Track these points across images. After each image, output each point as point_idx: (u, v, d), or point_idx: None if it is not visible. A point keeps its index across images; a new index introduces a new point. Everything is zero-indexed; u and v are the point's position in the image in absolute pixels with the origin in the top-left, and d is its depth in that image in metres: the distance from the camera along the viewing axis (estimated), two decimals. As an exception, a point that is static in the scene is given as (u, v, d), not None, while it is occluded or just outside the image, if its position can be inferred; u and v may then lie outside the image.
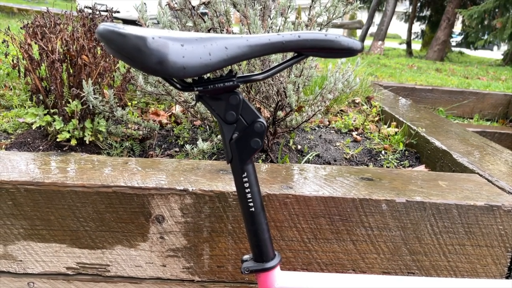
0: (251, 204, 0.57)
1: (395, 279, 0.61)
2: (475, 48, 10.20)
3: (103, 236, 0.80)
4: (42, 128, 1.19)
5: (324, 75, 1.97)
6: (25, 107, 1.43)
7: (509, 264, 0.81)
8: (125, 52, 0.45)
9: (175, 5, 1.12)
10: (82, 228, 0.79)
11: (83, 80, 1.06)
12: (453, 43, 14.19)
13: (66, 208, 0.78)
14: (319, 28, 1.25)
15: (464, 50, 13.31)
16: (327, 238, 0.80)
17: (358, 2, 1.23)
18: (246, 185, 0.56)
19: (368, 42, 10.99)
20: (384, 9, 10.29)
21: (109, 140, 1.19)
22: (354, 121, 1.66)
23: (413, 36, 12.18)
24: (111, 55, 1.15)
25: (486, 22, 7.80)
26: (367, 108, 1.83)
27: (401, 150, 1.37)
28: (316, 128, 1.61)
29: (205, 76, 0.51)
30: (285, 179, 0.84)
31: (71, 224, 0.79)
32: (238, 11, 1.14)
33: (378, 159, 1.34)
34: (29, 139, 1.17)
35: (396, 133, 1.49)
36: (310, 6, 1.21)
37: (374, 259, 0.81)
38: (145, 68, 0.46)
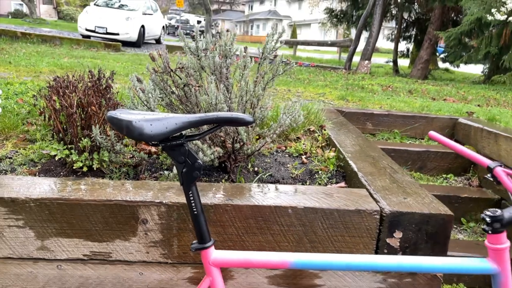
0: (194, 209, 0.99)
1: (295, 254, 1.02)
2: (457, 66, 10.71)
3: (107, 233, 1.21)
4: (61, 159, 1.61)
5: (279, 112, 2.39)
6: (45, 140, 1.85)
7: (375, 248, 1.23)
8: (121, 128, 0.88)
9: (159, 69, 1.56)
10: (93, 228, 1.21)
11: (92, 125, 1.49)
12: (440, 60, 14.75)
13: (83, 215, 1.20)
14: (266, 82, 1.68)
15: (450, 66, 13.86)
16: (254, 233, 1.22)
17: (294, 64, 1.67)
18: (191, 198, 0.98)
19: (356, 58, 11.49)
20: (370, 30, 10.83)
21: (110, 167, 1.61)
22: (305, 146, 2.08)
23: (400, 55, 12.71)
24: (111, 107, 1.58)
25: (463, 42, 8.31)
26: (319, 135, 2.26)
27: (333, 170, 1.79)
28: (274, 153, 2.03)
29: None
30: (230, 194, 1.27)
31: (86, 225, 1.21)
32: (205, 72, 1.58)
33: (315, 177, 1.76)
34: (52, 167, 1.59)
35: (333, 156, 1.92)
36: (258, 67, 1.65)
37: (286, 246, 1.22)
38: (131, 137, 0.88)
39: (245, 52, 1.67)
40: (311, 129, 2.35)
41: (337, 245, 1.22)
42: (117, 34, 11.48)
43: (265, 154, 1.99)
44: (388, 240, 1.22)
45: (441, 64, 13.84)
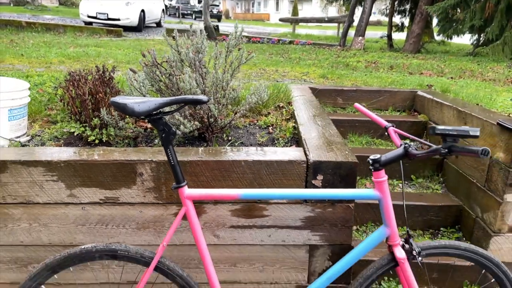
0: (172, 161, 1.48)
1: (243, 189, 1.52)
2: (450, 38, 10.99)
3: (115, 183, 1.72)
4: (78, 135, 2.12)
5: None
6: (64, 122, 2.35)
7: (304, 187, 1.72)
8: (120, 108, 1.38)
9: (148, 63, 2.04)
10: (105, 180, 1.72)
11: (101, 108, 1.99)
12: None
13: (98, 171, 1.70)
14: (233, 69, 2.15)
15: (446, 39, 14.04)
16: (218, 179, 1.72)
17: (254, 55, 2.14)
18: (169, 154, 1.47)
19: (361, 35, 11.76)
20: (363, 5, 11.09)
21: (116, 139, 2.11)
22: (273, 120, 2.56)
23: (395, 29, 12.93)
24: (114, 93, 2.06)
25: (450, 16, 8.60)
26: (286, 110, 2.73)
27: (289, 137, 2.28)
28: (247, 126, 2.52)
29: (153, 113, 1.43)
30: (202, 153, 1.76)
31: (100, 178, 1.71)
32: (184, 65, 2.06)
33: (275, 143, 2.25)
34: (72, 141, 2.09)
35: (291, 127, 2.40)
36: (226, 58, 2.12)
37: (248, 183, 1.72)
38: (126, 114, 1.38)
39: (216, 46, 2.14)
40: (280, 105, 2.82)
41: (277, 186, 1.72)
42: (118, 19, 11.85)
43: (239, 127, 2.48)
44: (313, 181, 1.71)
45: (438, 37, 14.05)
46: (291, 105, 2.77)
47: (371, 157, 1.50)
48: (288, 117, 2.63)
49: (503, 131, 2.28)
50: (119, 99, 1.40)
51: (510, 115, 2.79)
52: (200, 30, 2.07)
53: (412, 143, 1.47)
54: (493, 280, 1.68)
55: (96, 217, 1.76)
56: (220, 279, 1.82)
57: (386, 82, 4.31)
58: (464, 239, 2.62)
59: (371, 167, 1.51)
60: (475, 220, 2.50)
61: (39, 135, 2.19)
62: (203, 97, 1.45)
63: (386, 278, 2.48)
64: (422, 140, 1.47)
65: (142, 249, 1.55)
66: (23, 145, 2.03)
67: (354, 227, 2.67)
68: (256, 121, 2.57)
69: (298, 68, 5.50)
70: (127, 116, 2.26)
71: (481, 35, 8.05)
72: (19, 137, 2.04)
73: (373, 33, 18.28)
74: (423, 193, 2.91)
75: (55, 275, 1.60)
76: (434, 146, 1.34)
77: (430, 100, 3.29)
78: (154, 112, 1.43)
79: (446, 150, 1.27)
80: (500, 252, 2.37)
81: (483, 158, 1.14)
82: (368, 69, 5.67)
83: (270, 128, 2.47)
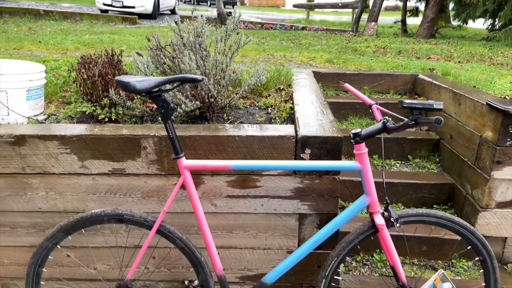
0: (170, 134, 1.65)
1: (235, 161, 1.68)
2: (465, 23, 10.82)
3: (122, 156, 1.90)
4: (90, 113, 2.30)
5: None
6: (77, 102, 2.53)
7: (293, 155, 1.86)
8: (124, 86, 1.54)
9: (152, 47, 2.19)
10: (113, 153, 1.90)
11: (109, 88, 2.16)
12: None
13: (106, 145, 1.88)
14: (232, 52, 2.29)
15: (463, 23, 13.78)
16: (215, 153, 1.88)
17: (251, 39, 2.27)
18: (168, 128, 1.64)
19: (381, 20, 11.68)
20: (376, -9, 10.98)
21: (124, 118, 2.29)
22: (272, 101, 2.70)
23: (409, 14, 12.76)
24: (122, 75, 2.23)
25: (464, 0, 8.49)
26: (285, 93, 2.86)
27: (285, 116, 2.42)
28: (248, 107, 2.66)
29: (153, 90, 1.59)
30: (200, 130, 1.92)
31: (109, 151, 1.89)
32: (186, 48, 2.21)
33: (272, 122, 2.39)
34: (84, 119, 2.28)
35: (289, 107, 2.53)
36: (225, 41, 2.25)
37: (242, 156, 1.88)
38: (130, 91, 1.54)
39: (217, 31, 2.28)
40: (281, 88, 2.96)
41: (269, 159, 1.87)
42: (133, 7, 12.05)
43: (240, 108, 2.63)
44: (301, 155, 1.86)
45: (454, 22, 13.81)
46: (291, 88, 2.90)
47: (352, 131, 1.63)
48: (287, 98, 2.76)
49: (491, 111, 2.37)
50: (123, 77, 1.57)
51: (506, 97, 2.86)
52: (201, 16, 2.21)
53: (390, 119, 1.60)
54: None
55: (105, 186, 1.94)
56: (218, 245, 1.99)
57: (390, 66, 4.37)
58: (455, 215, 2.73)
59: (352, 141, 1.64)
60: (466, 197, 2.62)
61: (54, 114, 2.38)
62: (198, 76, 1.60)
63: (378, 250, 2.63)
64: (398, 115, 1.59)
65: (145, 214, 1.74)
66: (40, 123, 2.22)
67: (346, 203, 2.82)
68: (256, 103, 2.71)
69: (306, 53, 5.59)
70: (135, 97, 2.43)
71: (496, 20, 7.93)
72: (36, 115, 2.24)
73: (390, 19, 18.05)
74: (419, 172, 3.02)
75: (69, 236, 1.80)
76: (406, 120, 1.47)
77: (429, 83, 3.38)
78: (154, 90, 1.59)
79: (413, 122, 1.40)
80: (488, 227, 2.48)
81: (437, 126, 1.27)
82: (376, 54, 5.72)
83: (269, 109, 2.61)
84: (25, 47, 4.85)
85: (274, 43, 7.16)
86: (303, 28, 12.14)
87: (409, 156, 3.16)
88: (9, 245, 2.04)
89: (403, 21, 12.09)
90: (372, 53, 5.90)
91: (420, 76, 3.61)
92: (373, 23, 10.86)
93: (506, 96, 2.86)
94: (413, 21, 13.45)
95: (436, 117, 1.29)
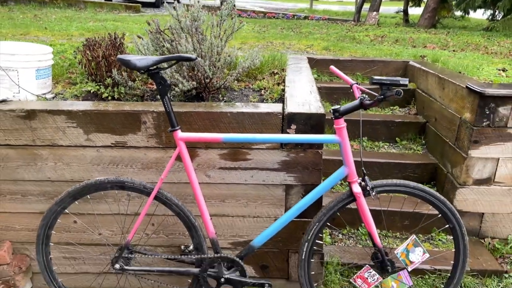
0: (167, 109, 1.82)
1: (225, 134, 1.85)
2: (467, 13, 10.87)
3: (124, 130, 2.07)
4: (94, 92, 2.47)
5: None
6: (82, 83, 2.70)
7: (281, 131, 2.03)
8: (124, 63, 1.71)
9: (152, 30, 2.36)
10: (116, 127, 2.07)
11: (113, 69, 2.33)
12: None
13: (109, 120, 2.06)
14: (227, 36, 2.44)
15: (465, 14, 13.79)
16: (209, 128, 2.05)
17: (245, 23, 2.42)
18: (165, 103, 1.80)
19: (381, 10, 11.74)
20: (378, -19, 11.02)
21: (126, 97, 2.46)
22: (266, 84, 2.86)
23: (411, 4, 12.79)
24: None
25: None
26: (279, 76, 3.02)
27: (276, 97, 2.58)
28: (242, 89, 2.82)
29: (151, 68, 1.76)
30: (195, 107, 2.09)
31: (112, 125, 2.07)
32: (184, 32, 2.37)
33: (265, 102, 2.56)
34: (89, 98, 2.45)
35: (280, 89, 2.69)
36: (219, 26, 2.41)
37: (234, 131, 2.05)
38: (130, 67, 1.71)
39: (213, 16, 2.44)
40: (275, 72, 3.11)
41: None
42: (136, -5, 12.13)
43: (235, 90, 2.79)
44: (288, 130, 2.03)
45: (457, 12, 13.82)
46: (285, 72, 3.06)
47: (332, 107, 1.80)
48: (280, 81, 2.92)
49: (470, 93, 2.52)
50: (124, 56, 1.74)
51: (490, 82, 3.01)
52: (198, 1, 2.36)
53: (366, 96, 1.76)
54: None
55: (108, 158, 2.12)
56: (211, 213, 2.17)
57: (384, 53, 4.51)
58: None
59: (332, 116, 1.81)
60: (446, 175, 2.78)
61: (61, 94, 2.56)
62: (192, 56, 1.77)
63: (362, 224, 2.80)
64: (373, 92, 1.75)
65: (145, 181, 1.92)
66: (48, 101, 2.39)
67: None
68: (250, 85, 2.87)
69: (305, 41, 5.72)
70: (136, 78, 2.60)
71: (495, 10, 8.00)
72: (45, 94, 2.41)
73: (392, 8, 18.03)
74: (405, 153, 3.19)
75: (76, 202, 1.99)
76: (377, 95, 1.63)
77: (418, 69, 3.52)
78: (153, 68, 1.76)
79: (382, 96, 1.56)
80: (466, 203, 2.65)
81: (397, 97, 1.43)
82: (373, 43, 5.84)
83: (262, 91, 2.77)
84: (32, 33, 5.01)
85: (275, 31, 7.28)
86: (305, 18, 12.22)
87: (396, 138, 3.32)
88: (20, 211, 2.23)
89: (405, 11, 12.14)
90: (369, 41, 6.02)
91: (411, 62, 3.75)
92: (374, 12, 10.93)
93: (490, 82, 3.01)
94: (416, 11, 13.47)
95: (396, 90, 1.45)
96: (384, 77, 1.55)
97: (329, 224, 2.64)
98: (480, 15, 14.13)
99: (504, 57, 4.83)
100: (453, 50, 5.35)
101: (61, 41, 4.17)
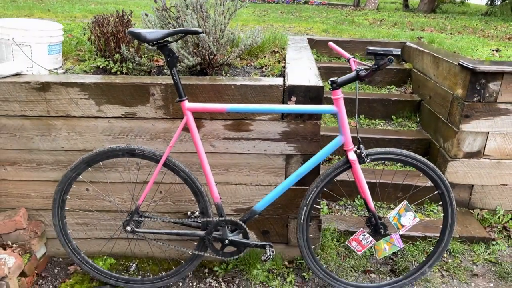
0: (175, 80, 1.93)
1: (230, 104, 1.97)
2: (466, -1, 10.89)
3: (133, 101, 2.19)
4: (103, 67, 2.58)
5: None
6: (90, 60, 2.81)
7: (281, 103, 2.15)
8: (135, 36, 1.83)
9: (159, 8, 2.46)
10: (125, 98, 2.19)
11: (121, 45, 2.43)
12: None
13: (120, 91, 2.18)
14: (230, 13, 2.55)
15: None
16: (213, 100, 2.17)
17: (247, 1, 2.52)
18: (173, 75, 1.92)
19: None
20: (379, -35, 11.01)
21: (134, 72, 2.57)
22: (267, 61, 2.97)
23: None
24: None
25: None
26: (279, 54, 3.13)
27: (277, 73, 2.69)
28: (244, 66, 2.93)
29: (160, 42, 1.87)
30: (200, 80, 2.21)
31: (122, 97, 2.19)
32: (189, 9, 2.47)
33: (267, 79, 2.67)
34: (98, 73, 2.56)
35: (281, 66, 2.80)
36: (223, 3, 2.51)
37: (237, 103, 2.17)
38: (140, 40, 1.83)
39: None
40: (275, 50, 3.22)
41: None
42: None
43: (237, 67, 2.90)
44: (288, 102, 2.15)
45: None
46: (285, 51, 3.16)
47: (330, 79, 1.92)
48: (280, 59, 3.03)
49: (462, 70, 2.64)
50: (135, 29, 1.85)
51: (482, 60, 3.12)
52: (202, -20, 2.46)
53: (362, 68, 1.88)
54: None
55: (119, 128, 2.25)
56: (216, 181, 2.31)
57: (382, 35, 4.61)
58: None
59: (330, 87, 1.93)
60: (439, 149, 2.92)
61: (71, 69, 2.67)
62: (199, 29, 1.88)
63: (359, 196, 2.95)
64: (368, 64, 1.87)
65: (154, 149, 2.05)
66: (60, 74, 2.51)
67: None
68: (252, 63, 2.98)
69: (304, 24, 5.80)
70: (143, 56, 2.71)
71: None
72: (56, 69, 2.52)
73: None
74: (400, 130, 3.32)
75: (89, 168, 2.12)
76: (371, 66, 1.75)
77: (414, 49, 3.63)
78: (161, 41, 1.88)
79: (376, 66, 1.68)
80: (456, 175, 2.79)
81: (389, 64, 1.56)
82: (372, 26, 5.92)
83: (263, 68, 2.88)
84: (35, 15, 5.09)
85: (275, 15, 7.35)
86: (305, 2, 12.24)
87: (392, 116, 3.45)
88: (35, 179, 2.36)
89: (405, -4, 12.16)
90: (368, 25, 6.10)
91: (408, 43, 3.86)
92: (374, -3, 10.95)
93: (482, 60, 3.12)
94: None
95: (388, 57, 1.57)
96: (378, 48, 1.66)
97: (326, 190, 2.78)
98: (479, 0, 14.15)
99: (500, 40, 4.93)
100: (450, 33, 5.44)
101: (65, 22, 4.26)
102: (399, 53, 1.64)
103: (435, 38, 4.06)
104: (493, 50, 3.54)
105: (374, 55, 1.68)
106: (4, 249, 2.32)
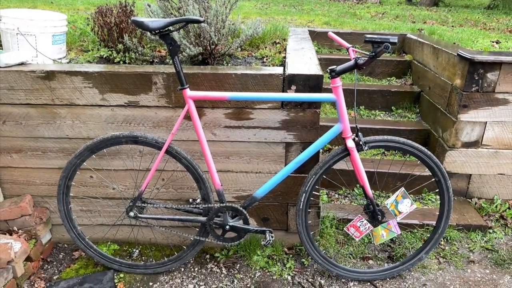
0: (177, 68, 1.98)
1: (231, 92, 2.02)
2: (469, -8, 10.84)
3: (136, 90, 2.24)
4: (106, 57, 2.62)
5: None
6: (94, 50, 2.85)
7: (281, 92, 2.19)
8: (138, 25, 1.87)
9: (161, -2, 2.50)
10: (129, 87, 2.23)
11: (124, 35, 2.47)
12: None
13: (123, 80, 2.22)
14: (231, 4, 2.58)
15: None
16: (214, 88, 2.21)
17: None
18: (175, 63, 1.96)
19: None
20: (382, -42, 10.97)
21: (136, 62, 2.61)
22: (268, 52, 3.00)
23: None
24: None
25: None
26: (280, 45, 3.16)
27: (277, 64, 2.73)
28: (246, 57, 2.97)
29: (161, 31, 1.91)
30: (201, 69, 2.25)
31: (125, 86, 2.23)
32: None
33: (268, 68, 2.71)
34: (101, 63, 2.61)
35: (282, 57, 2.84)
36: (225, -6, 2.54)
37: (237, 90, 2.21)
38: (143, 28, 1.87)
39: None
40: (276, 41, 3.25)
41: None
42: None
43: (238, 57, 2.94)
44: (288, 91, 2.19)
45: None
46: (286, 42, 3.20)
47: (329, 67, 1.96)
48: (281, 50, 3.07)
49: (461, 60, 2.67)
50: (138, 18, 1.89)
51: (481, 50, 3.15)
52: (204, -29, 2.49)
53: (360, 57, 1.91)
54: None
55: (122, 116, 2.29)
56: (217, 169, 2.35)
57: (383, 28, 4.62)
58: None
59: (329, 76, 1.97)
60: (438, 140, 2.96)
61: (75, 59, 2.71)
62: (200, 18, 1.91)
63: (357, 185, 2.99)
64: (366, 53, 1.91)
65: (157, 136, 2.09)
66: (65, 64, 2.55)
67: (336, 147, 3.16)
68: (253, 54, 3.02)
69: (306, 17, 5.81)
70: (145, 46, 2.75)
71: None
72: (60, 59, 2.56)
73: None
74: (400, 120, 3.35)
75: (93, 155, 2.17)
76: (369, 54, 1.78)
77: (415, 41, 3.65)
78: (164, 29, 1.91)
79: (373, 53, 1.72)
80: (454, 165, 2.83)
81: (386, 51, 1.59)
82: (373, 19, 5.93)
83: (264, 58, 2.92)
84: (39, 7, 5.12)
85: (277, 8, 7.36)
86: (307, -4, 12.20)
87: (392, 107, 3.48)
88: (40, 167, 2.42)
89: (408, -10, 12.11)
90: (370, 17, 6.11)
91: (408, 35, 3.88)
92: (377, -9, 10.92)
93: (481, 50, 3.15)
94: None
95: (384, 44, 1.61)
96: (375, 35, 1.70)
97: (326, 178, 2.82)
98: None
99: (501, 33, 4.94)
100: (452, 26, 5.45)
101: (69, 14, 4.29)
102: (395, 40, 1.68)
103: (435, 30, 4.07)
104: (493, 42, 3.56)
105: (372, 43, 1.71)
106: (11, 234, 2.37)
